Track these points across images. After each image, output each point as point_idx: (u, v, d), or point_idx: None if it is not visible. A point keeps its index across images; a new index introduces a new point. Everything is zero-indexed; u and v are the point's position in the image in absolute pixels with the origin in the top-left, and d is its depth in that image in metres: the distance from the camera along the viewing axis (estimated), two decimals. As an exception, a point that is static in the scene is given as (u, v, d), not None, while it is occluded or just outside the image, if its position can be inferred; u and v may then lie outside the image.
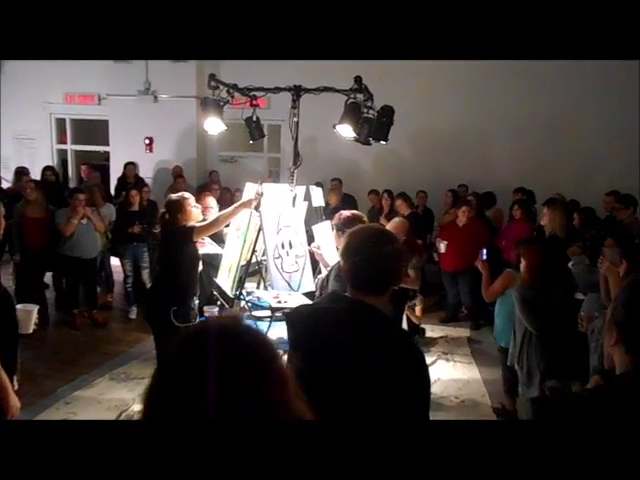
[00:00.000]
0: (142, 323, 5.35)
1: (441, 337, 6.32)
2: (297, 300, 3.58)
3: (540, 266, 3.70)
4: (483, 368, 5.34)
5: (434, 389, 4.83)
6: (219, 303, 4.32)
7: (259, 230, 3.89)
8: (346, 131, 4.07)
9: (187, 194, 3.99)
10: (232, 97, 4.37)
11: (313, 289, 3.81)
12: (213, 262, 4.83)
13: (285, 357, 1.58)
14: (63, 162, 10.39)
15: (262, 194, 3.79)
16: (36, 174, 7.84)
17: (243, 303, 3.93)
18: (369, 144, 4.21)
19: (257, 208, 3.81)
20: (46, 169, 7.81)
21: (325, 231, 4.12)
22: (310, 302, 3.22)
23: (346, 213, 3.48)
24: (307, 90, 4.14)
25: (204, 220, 4.10)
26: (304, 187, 4.37)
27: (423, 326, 6.13)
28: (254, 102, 4.41)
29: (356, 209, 4.76)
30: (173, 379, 0.90)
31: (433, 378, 5.06)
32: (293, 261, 4.00)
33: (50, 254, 6.08)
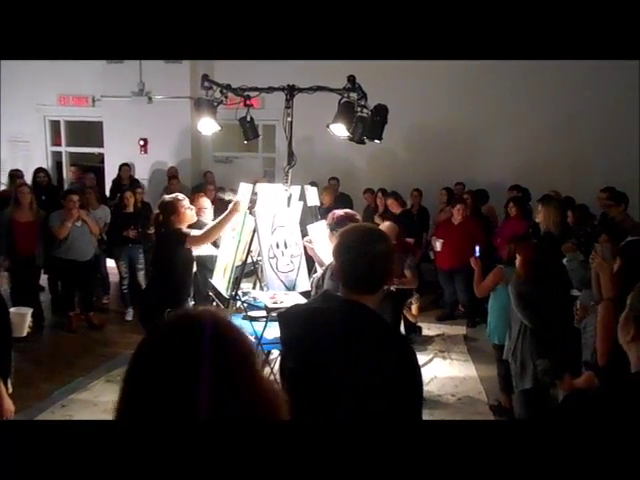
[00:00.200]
0: (138, 325, 5.33)
1: (437, 335, 6.33)
2: (293, 300, 3.58)
3: (535, 261, 3.75)
4: (479, 365, 5.35)
5: (431, 387, 4.84)
6: (214, 304, 4.32)
7: (254, 231, 3.89)
8: (340, 130, 4.07)
9: (181, 195, 3.96)
10: (226, 97, 4.36)
11: (309, 288, 3.81)
12: (207, 264, 4.83)
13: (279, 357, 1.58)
14: (58, 164, 10.34)
15: (256, 195, 3.78)
16: (31, 177, 7.73)
17: (239, 304, 3.93)
18: (363, 143, 4.22)
19: (251, 211, 3.81)
20: (38, 171, 7.49)
21: (320, 231, 4.12)
22: (304, 302, 3.21)
23: (339, 212, 3.46)
24: (301, 90, 4.14)
25: (198, 221, 4.10)
26: (299, 187, 4.38)
27: (419, 324, 6.15)
28: (248, 102, 4.41)
29: (352, 208, 4.76)
30: (157, 371, 0.89)
31: (430, 376, 5.07)
32: (288, 261, 4.00)
33: (41, 258, 6.01)
